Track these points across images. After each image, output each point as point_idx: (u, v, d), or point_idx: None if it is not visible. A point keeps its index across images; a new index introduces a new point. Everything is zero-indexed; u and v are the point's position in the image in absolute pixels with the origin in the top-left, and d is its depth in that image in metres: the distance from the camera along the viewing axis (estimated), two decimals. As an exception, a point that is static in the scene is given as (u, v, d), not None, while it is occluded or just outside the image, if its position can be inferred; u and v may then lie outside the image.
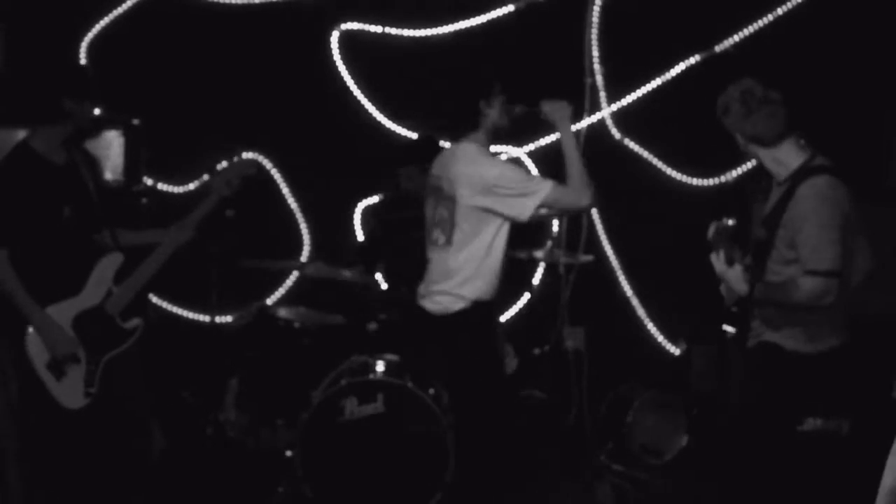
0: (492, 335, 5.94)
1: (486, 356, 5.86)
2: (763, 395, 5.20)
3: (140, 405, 5.74)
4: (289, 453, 6.44)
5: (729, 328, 5.41)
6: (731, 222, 5.15)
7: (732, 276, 5.18)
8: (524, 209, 5.69)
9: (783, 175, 5.19)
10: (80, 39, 8.13)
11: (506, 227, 5.77)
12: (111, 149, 6.97)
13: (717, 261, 5.24)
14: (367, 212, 8.12)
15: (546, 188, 5.75)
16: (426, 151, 7.15)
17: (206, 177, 7.76)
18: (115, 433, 5.63)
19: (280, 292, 8.26)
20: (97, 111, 7.39)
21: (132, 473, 5.71)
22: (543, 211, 5.80)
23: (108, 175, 6.90)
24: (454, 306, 5.78)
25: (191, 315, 8.15)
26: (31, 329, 5.35)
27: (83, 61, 7.77)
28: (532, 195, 5.70)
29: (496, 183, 5.68)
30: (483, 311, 5.82)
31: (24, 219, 5.29)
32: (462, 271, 5.76)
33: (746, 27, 7.89)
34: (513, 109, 6.02)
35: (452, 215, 5.77)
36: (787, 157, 5.19)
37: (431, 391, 6.33)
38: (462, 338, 5.78)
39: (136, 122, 6.87)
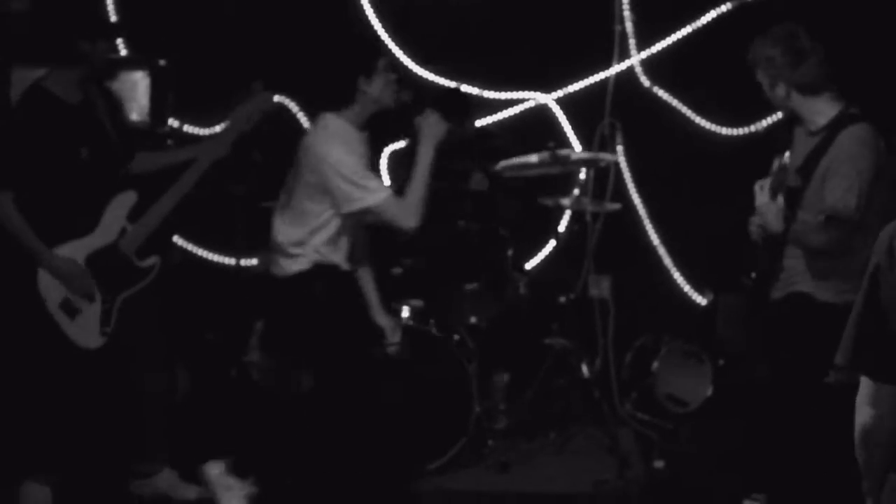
0: (340, 303, 5.87)
1: (328, 323, 5.80)
2: (792, 347, 5.17)
3: (154, 346, 5.72)
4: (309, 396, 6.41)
5: (746, 281, 5.41)
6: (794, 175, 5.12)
7: (773, 210, 5.12)
8: (349, 202, 5.65)
9: (819, 124, 5.16)
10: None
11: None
12: (137, 90, 6.91)
13: (761, 192, 5.17)
14: (394, 157, 8.06)
15: (381, 195, 5.69)
16: (454, 103, 7.12)
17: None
18: (129, 373, 5.64)
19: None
20: (123, 51, 7.40)
21: (148, 414, 5.72)
22: (369, 217, 5.75)
23: (134, 116, 6.85)
24: (292, 267, 5.80)
25: (216, 258, 8.12)
26: (41, 271, 5.32)
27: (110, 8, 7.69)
28: (363, 193, 5.66)
29: (333, 165, 5.63)
30: (329, 274, 5.78)
31: (39, 160, 5.25)
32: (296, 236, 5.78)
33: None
34: (401, 93, 5.90)
35: (296, 182, 5.77)
36: (825, 107, 5.16)
37: (457, 338, 6.32)
38: (299, 301, 5.79)
39: (162, 62, 6.82)
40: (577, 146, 7.84)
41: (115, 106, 5.74)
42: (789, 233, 5.12)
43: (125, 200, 5.54)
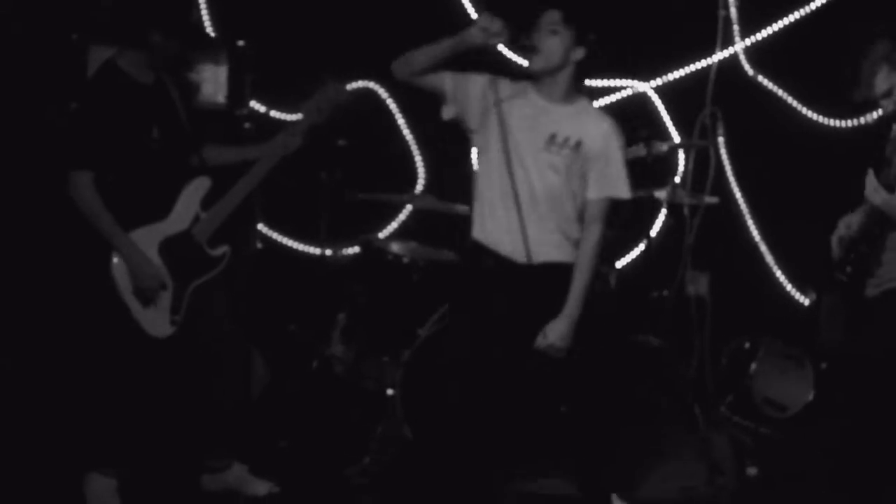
0: None
1: None
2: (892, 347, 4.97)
3: (226, 337, 5.57)
4: (390, 392, 6.25)
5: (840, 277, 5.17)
6: None
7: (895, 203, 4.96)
8: None
9: None
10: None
11: None
12: (216, 71, 6.84)
13: (875, 193, 5.02)
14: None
15: None
16: None
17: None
18: (200, 364, 5.50)
19: (392, 226, 8.03)
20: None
21: (219, 408, 5.57)
22: None
23: (214, 97, 6.78)
24: None
25: (300, 247, 7.98)
26: (115, 257, 5.22)
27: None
28: None
29: None
30: None
31: (112, 138, 5.15)
32: None
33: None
34: None
35: None
36: None
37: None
38: None
39: (241, 43, 6.72)
40: (675, 136, 7.62)
41: (188, 90, 5.65)
42: None
43: (199, 187, 5.45)
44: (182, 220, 5.39)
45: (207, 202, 5.46)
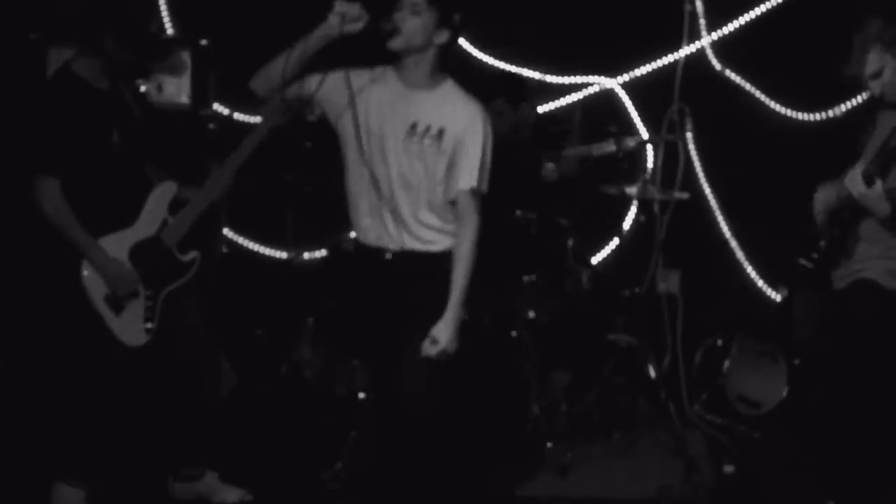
0: None
1: None
2: (863, 339, 4.97)
3: (198, 343, 5.48)
4: (362, 395, 6.18)
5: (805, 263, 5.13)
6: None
7: (873, 195, 4.90)
8: None
9: None
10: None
11: None
12: (178, 70, 6.75)
13: (853, 183, 4.95)
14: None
15: None
16: (510, 86, 6.86)
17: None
18: (173, 370, 5.42)
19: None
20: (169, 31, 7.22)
21: (192, 415, 5.49)
22: None
23: (179, 97, 6.71)
24: None
25: (266, 251, 7.90)
26: (85, 265, 5.12)
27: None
28: None
29: None
30: None
31: (72, 143, 5.06)
32: None
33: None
34: None
35: None
36: None
37: (514, 333, 6.04)
38: None
39: (204, 42, 6.63)
40: (644, 132, 7.58)
41: (143, 96, 5.57)
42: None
43: (166, 191, 5.38)
44: (150, 226, 5.31)
45: (174, 207, 5.39)
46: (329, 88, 4.83)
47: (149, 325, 5.25)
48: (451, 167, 4.80)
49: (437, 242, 4.86)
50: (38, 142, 5.11)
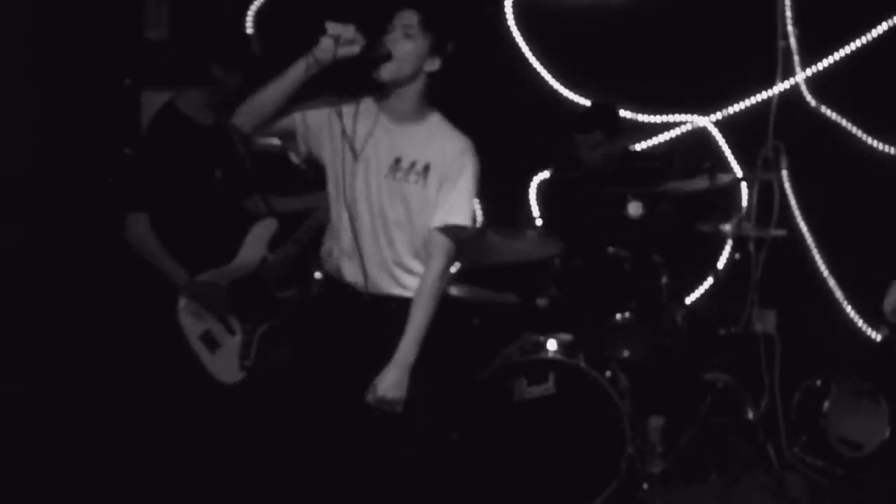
0: None
1: None
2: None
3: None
4: (453, 437, 6.09)
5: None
6: None
7: None
8: None
9: None
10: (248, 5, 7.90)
11: None
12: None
13: None
14: (544, 187, 7.74)
15: None
16: (607, 118, 6.81)
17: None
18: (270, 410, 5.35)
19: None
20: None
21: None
22: None
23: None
24: None
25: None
26: (182, 301, 5.12)
27: (250, 30, 7.55)
28: None
29: None
30: None
31: (173, 181, 5.09)
32: None
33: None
34: None
35: None
36: None
37: (608, 374, 5.95)
38: None
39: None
40: (738, 170, 7.48)
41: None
42: None
43: (267, 227, 5.41)
44: (250, 262, 5.30)
45: (274, 244, 5.37)
46: (316, 123, 4.60)
47: (245, 362, 5.23)
48: (432, 204, 4.57)
49: (401, 287, 4.62)
50: (130, 179, 5.15)
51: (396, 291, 4.60)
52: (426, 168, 4.55)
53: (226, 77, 5.22)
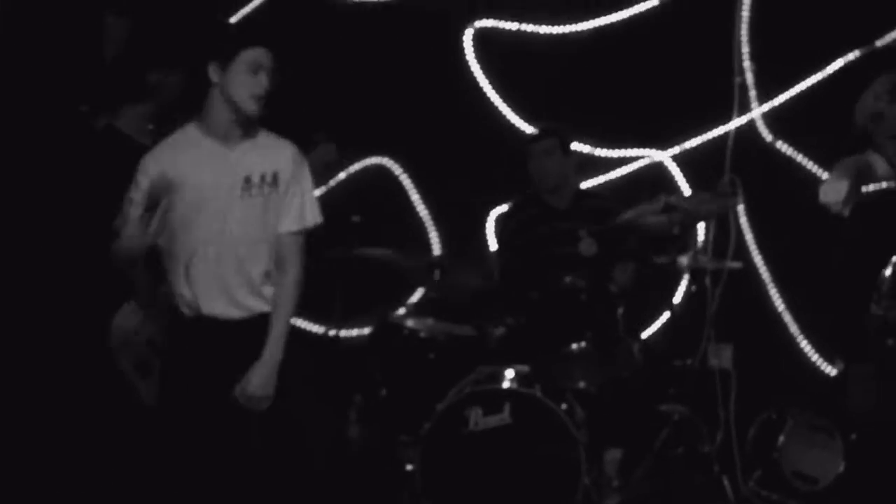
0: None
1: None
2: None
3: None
4: (409, 467, 6.08)
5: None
6: None
7: None
8: None
9: None
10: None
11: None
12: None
13: None
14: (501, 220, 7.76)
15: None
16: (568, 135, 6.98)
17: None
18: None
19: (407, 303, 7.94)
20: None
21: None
22: None
23: None
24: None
25: (313, 327, 7.83)
26: (114, 330, 5.07)
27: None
28: None
29: None
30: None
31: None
32: None
33: (908, 18, 7.33)
34: None
35: None
36: None
37: (564, 404, 5.93)
38: None
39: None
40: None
41: None
42: None
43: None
44: None
45: None
46: (156, 186, 4.63)
47: None
48: (279, 211, 4.75)
49: (264, 302, 4.78)
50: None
51: (259, 308, 4.77)
52: (275, 176, 4.74)
53: (164, 80, 5.18)
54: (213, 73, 4.65)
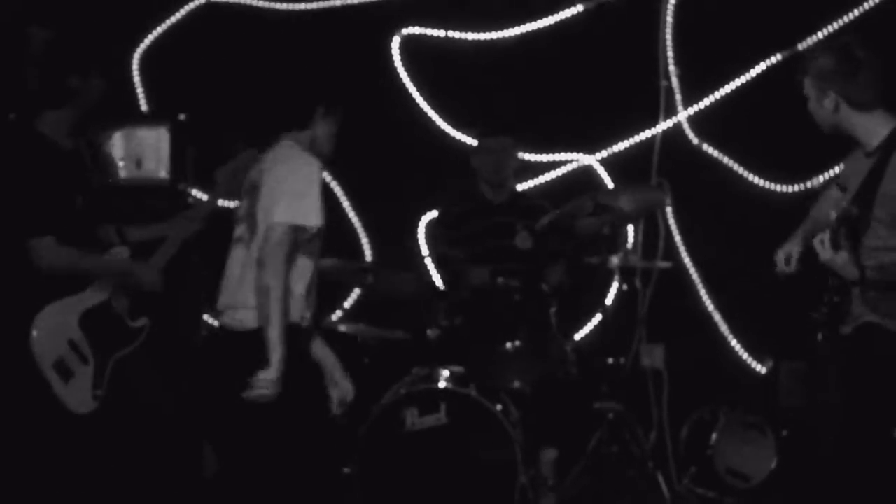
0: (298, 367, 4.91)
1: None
2: (867, 386, 4.73)
3: (158, 406, 5.38)
4: (346, 469, 6.06)
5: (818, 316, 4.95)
6: (850, 206, 4.71)
7: (840, 262, 4.67)
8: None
9: (872, 145, 4.75)
10: (132, 50, 7.96)
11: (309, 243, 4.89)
12: (157, 145, 6.72)
13: (822, 248, 4.76)
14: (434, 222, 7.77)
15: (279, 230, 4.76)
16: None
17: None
18: (133, 438, 5.28)
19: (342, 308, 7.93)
20: (144, 107, 7.21)
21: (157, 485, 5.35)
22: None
23: (158, 172, 6.70)
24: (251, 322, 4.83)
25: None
26: (35, 330, 5.01)
27: (135, 71, 7.53)
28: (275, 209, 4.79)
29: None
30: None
31: (46, 204, 4.99)
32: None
33: (831, 24, 7.41)
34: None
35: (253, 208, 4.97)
36: (877, 125, 4.75)
37: (499, 406, 5.95)
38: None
39: (182, 116, 6.62)
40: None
41: (98, 156, 5.51)
42: (867, 275, 4.69)
43: (118, 257, 5.27)
44: (102, 292, 5.21)
45: None
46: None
47: (97, 392, 5.14)
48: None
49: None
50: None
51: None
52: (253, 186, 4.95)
53: (85, 84, 5.16)
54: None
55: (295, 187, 4.76)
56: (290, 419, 4.81)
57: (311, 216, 4.74)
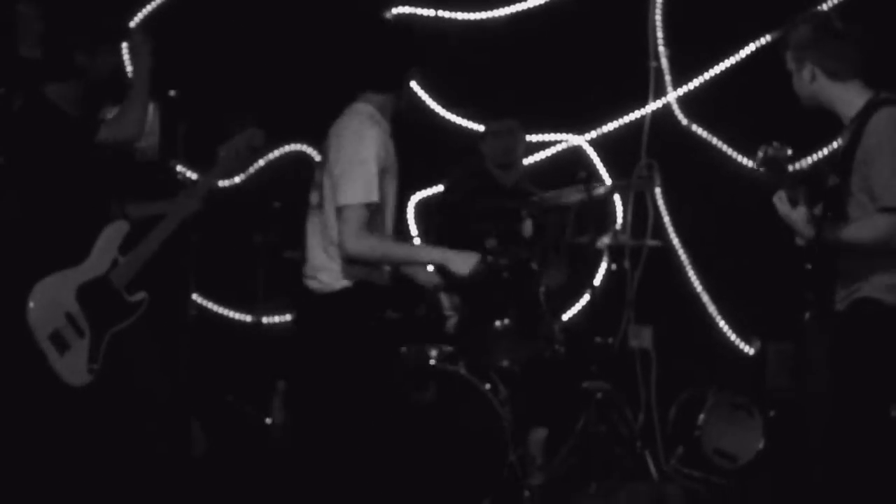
0: (376, 328, 5.07)
1: (364, 352, 4.96)
2: (862, 363, 4.72)
3: (154, 382, 5.40)
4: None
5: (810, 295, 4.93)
6: (782, 148, 4.73)
7: (797, 218, 4.72)
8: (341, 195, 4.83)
9: (850, 115, 4.76)
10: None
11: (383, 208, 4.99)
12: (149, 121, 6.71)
13: (780, 202, 4.79)
14: (422, 205, 7.78)
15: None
16: None
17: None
18: (128, 413, 5.32)
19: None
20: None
21: (149, 459, 5.36)
22: None
23: (144, 148, 6.67)
24: (336, 284, 4.89)
25: (237, 315, 7.80)
26: (32, 302, 5.02)
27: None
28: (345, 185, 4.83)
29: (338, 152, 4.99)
30: (370, 294, 4.98)
31: (43, 167, 5.00)
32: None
33: (820, 4, 7.42)
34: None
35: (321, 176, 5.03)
36: (854, 96, 4.75)
37: (488, 385, 5.96)
38: (342, 322, 4.91)
39: (172, 93, 6.61)
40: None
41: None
42: (840, 235, 4.68)
43: (118, 230, 5.33)
44: (100, 265, 5.24)
45: (126, 247, 5.33)
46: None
47: (93, 365, 5.16)
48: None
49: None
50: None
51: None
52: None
53: (92, 60, 5.18)
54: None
55: (354, 160, 4.89)
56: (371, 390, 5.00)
57: (372, 192, 4.83)
